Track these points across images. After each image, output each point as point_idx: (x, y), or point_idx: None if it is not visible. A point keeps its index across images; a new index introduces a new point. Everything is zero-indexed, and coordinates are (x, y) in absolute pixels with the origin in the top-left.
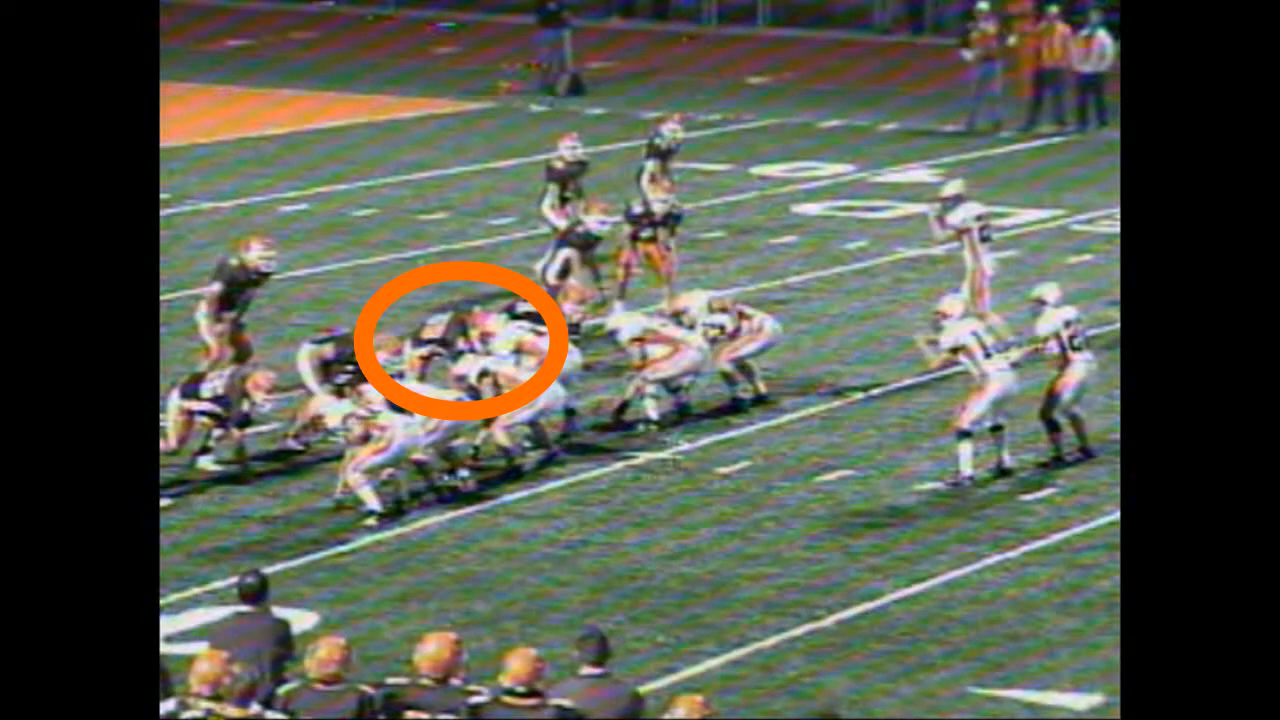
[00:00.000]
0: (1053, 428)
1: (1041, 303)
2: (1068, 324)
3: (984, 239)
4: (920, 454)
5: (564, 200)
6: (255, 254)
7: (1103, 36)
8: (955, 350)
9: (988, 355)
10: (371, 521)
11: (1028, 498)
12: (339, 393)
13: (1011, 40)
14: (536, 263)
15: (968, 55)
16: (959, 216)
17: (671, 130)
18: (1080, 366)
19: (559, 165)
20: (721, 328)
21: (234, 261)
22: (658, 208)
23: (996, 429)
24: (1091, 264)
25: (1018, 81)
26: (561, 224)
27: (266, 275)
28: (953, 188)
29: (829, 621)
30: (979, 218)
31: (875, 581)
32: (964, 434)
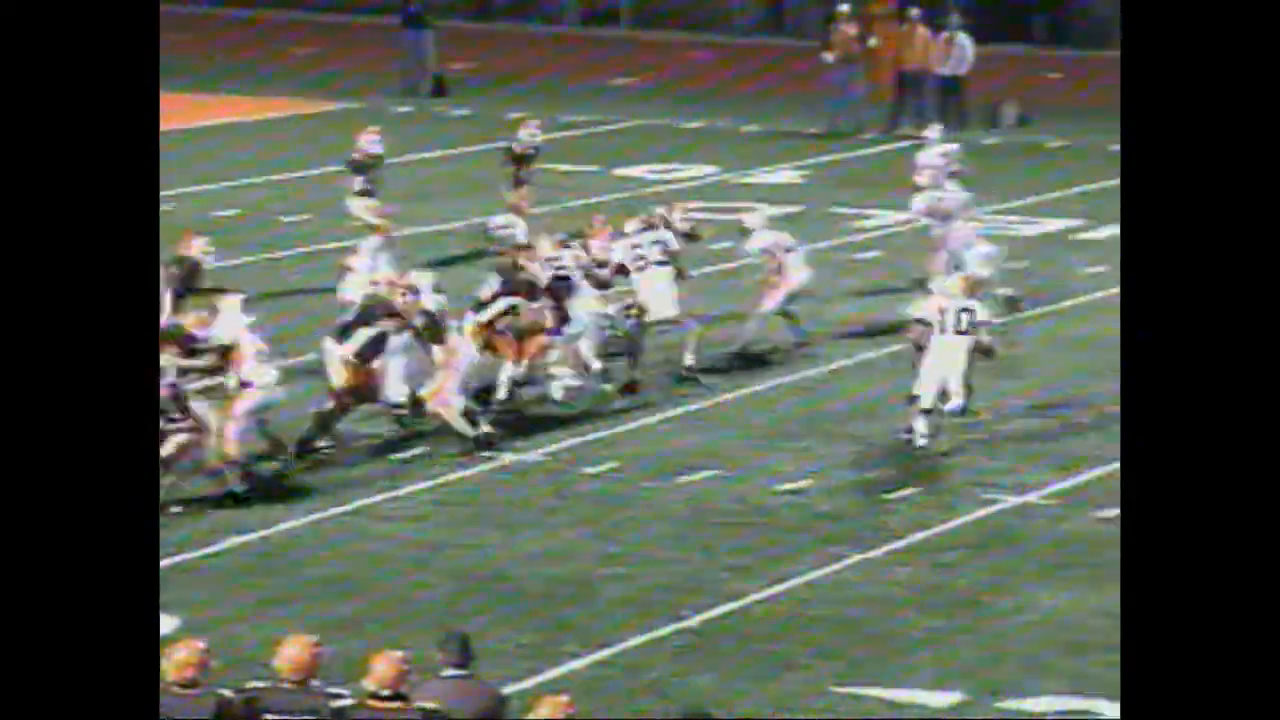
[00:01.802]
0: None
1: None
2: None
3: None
4: (784, 455)
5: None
6: (198, 248)
7: (963, 39)
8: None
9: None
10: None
11: (889, 497)
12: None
13: (872, 43)
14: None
15: (829, 58)
16: (764, 242)
17: (529, 134)
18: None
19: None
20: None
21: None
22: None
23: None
24: None
25: (879, 84)
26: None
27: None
28: (753, 221)
29: (693, 621)
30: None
31: (738, 581)
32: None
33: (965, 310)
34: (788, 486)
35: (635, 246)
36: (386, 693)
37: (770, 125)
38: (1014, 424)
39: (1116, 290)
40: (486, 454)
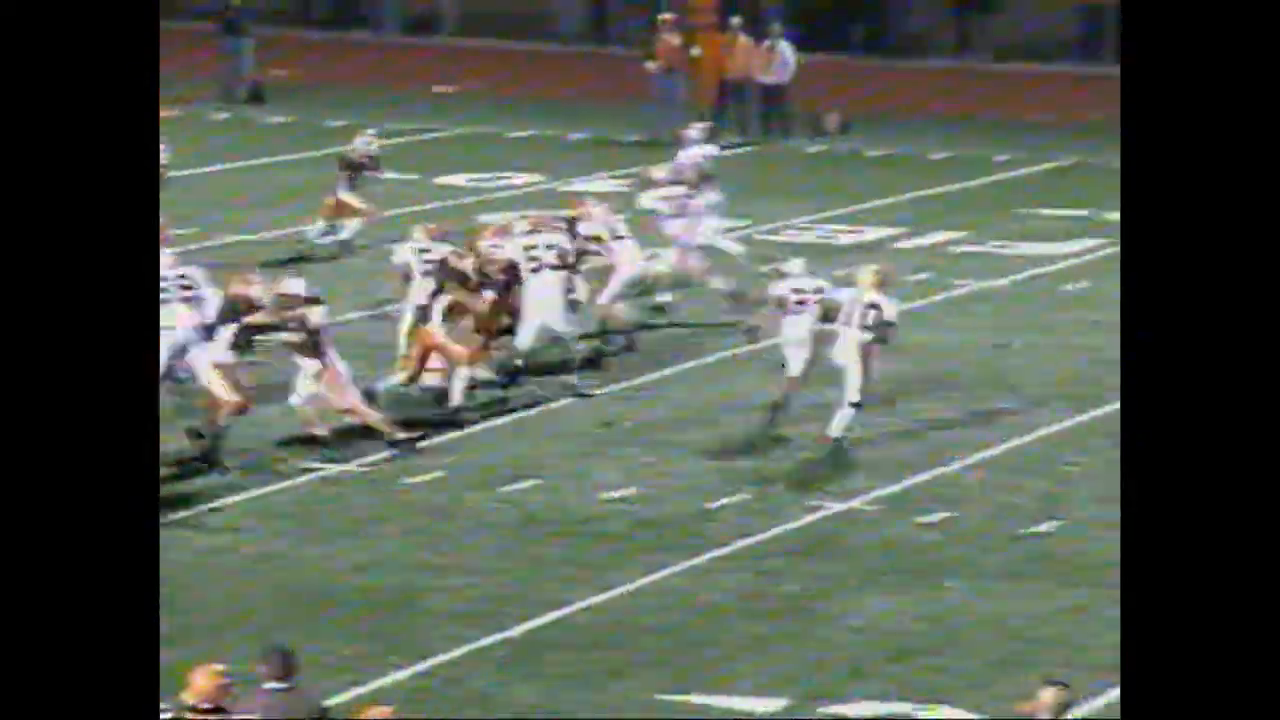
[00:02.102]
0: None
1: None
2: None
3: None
4: (608, 462)
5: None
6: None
7: (784, 48)
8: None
9: None
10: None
11: (713, 505)
12: None
13: (695, 51)
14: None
15: (652, 66)
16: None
17: (365, 143)
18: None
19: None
20: None
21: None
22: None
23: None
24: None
25: (702, 92)
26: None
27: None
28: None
29: (517, 631)
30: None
31: (563, 590)
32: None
33: (874, 307)
34: (613, 495)
35: (530, 248)
36: (206, 706)
37: (594, 133)
38: (826, 431)
39: (941, 297)
40: (335, 462)
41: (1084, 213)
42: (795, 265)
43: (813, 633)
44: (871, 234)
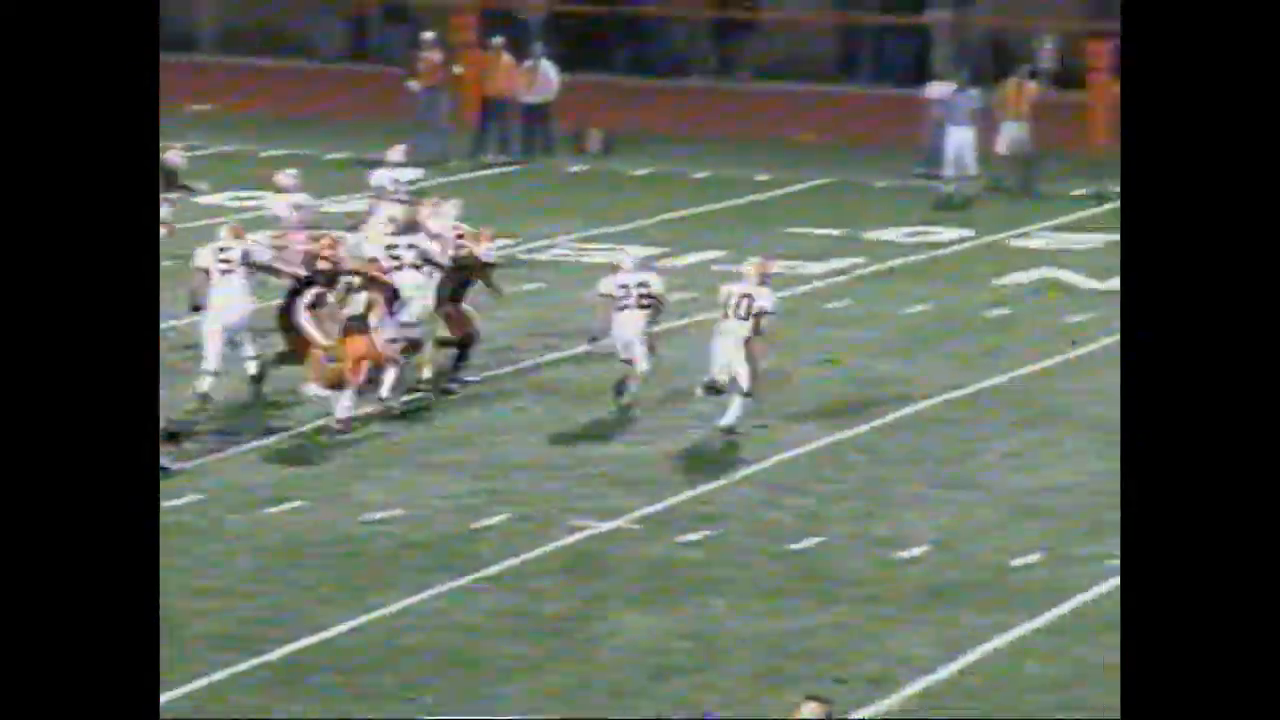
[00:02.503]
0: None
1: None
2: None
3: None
4: (371, 484)
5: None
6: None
7: (547, 67)
8: None
9: None
10: None
11: (478, 525)
12: None
13: (457, 70)
14: None
15: (414, 85)
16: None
17: (175, 158)
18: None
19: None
20: None
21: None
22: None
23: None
24: (545, 290)
25: (464, 111)
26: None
27: None
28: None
29: (280, 654)
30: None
31: (326, 612)
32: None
33: (747, 296)
34: (377, 516)
35: (390, 246)
36: None
37: (354, 152)
38: (590, 451)
39: (702, 316)
40: None
41: (843, 231)
42: (627, 260)
43: (578, 653)
44: (635, 252)
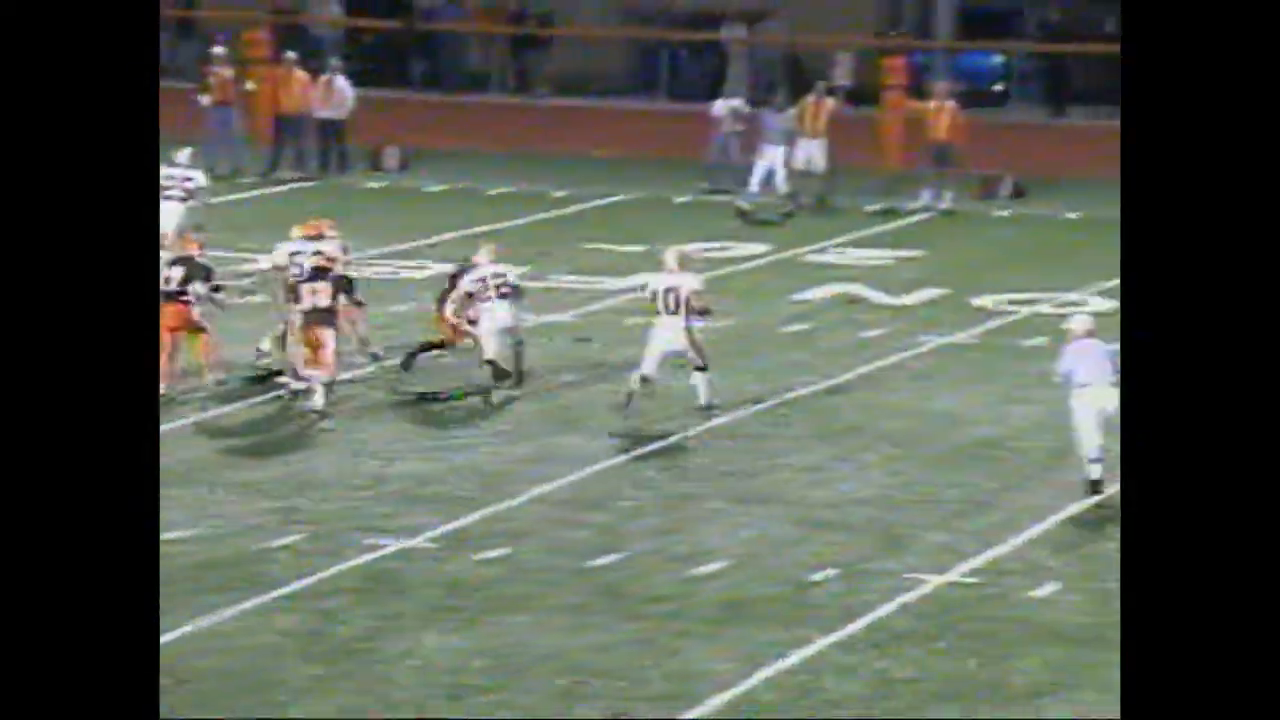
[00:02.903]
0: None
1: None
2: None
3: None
4: (169, 504)
5: None
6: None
7: (341, 83)
8: None
9: None
10: None
11: (272, 544)
12: None
13: (249, 85)
14: None
15: (205, 100)
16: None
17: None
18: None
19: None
20: None
21: None
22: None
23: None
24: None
25: (257, 127)
26: None
27: None
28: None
29: None
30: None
31: None
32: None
33: (672, 290)
34: (170, 536)
35: (295, 253)
36: None
37: None
38: (386, 468)
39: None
40: None
41: (643, 247)
42: (483, 254)
43: (372, 673)
44: (434, 269)
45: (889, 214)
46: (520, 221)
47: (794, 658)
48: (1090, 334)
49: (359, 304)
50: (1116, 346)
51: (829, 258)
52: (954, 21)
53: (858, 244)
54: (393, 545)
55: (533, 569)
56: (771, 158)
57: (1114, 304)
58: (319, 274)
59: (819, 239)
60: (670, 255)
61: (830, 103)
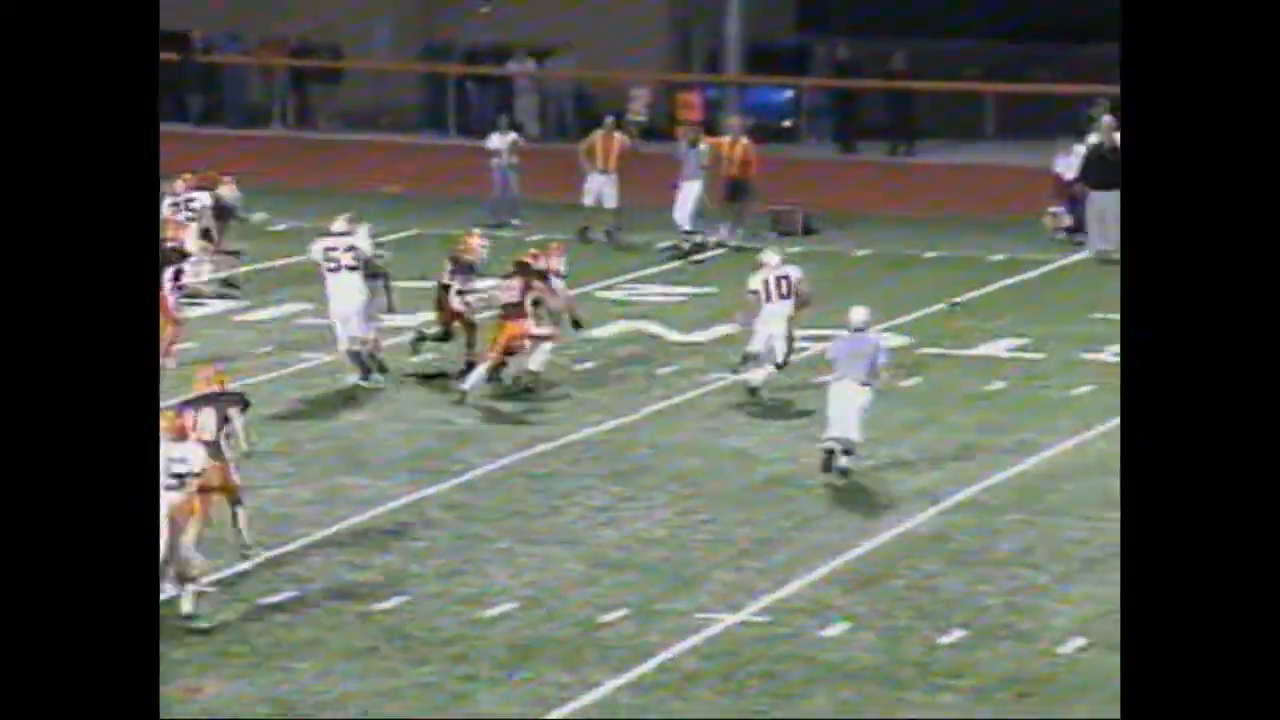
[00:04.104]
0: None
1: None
2: None
3: None
4: None
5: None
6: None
7: None
8: None
9: None
10: None
11: None
12: None
13: None
14: None
15: None
16: None
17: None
18: None
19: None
20: None
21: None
22: None
23: None
24: None
25: None
26: None
27: None
28: None
29: None
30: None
31: None
32: None
33: (784, 277)
34: None
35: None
36: None
37: None
38: None
39: (285, 370)
40: None
41: (429, 284)
42: (339, 224)
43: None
44: (219, 305)
45: (679, 252)
46: (305, 258)
47: (584, 699)
48: (865, 327)
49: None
50: (885, 346)
51: (618, 294)
52: (743, 57)
53: (649, 280)
54: (174, 591)
55: (318, 613)
56: (687, 193)
57: (904, 339)
58: None
59: (610, 275)
60: (769, 253)
61: (620, 137)
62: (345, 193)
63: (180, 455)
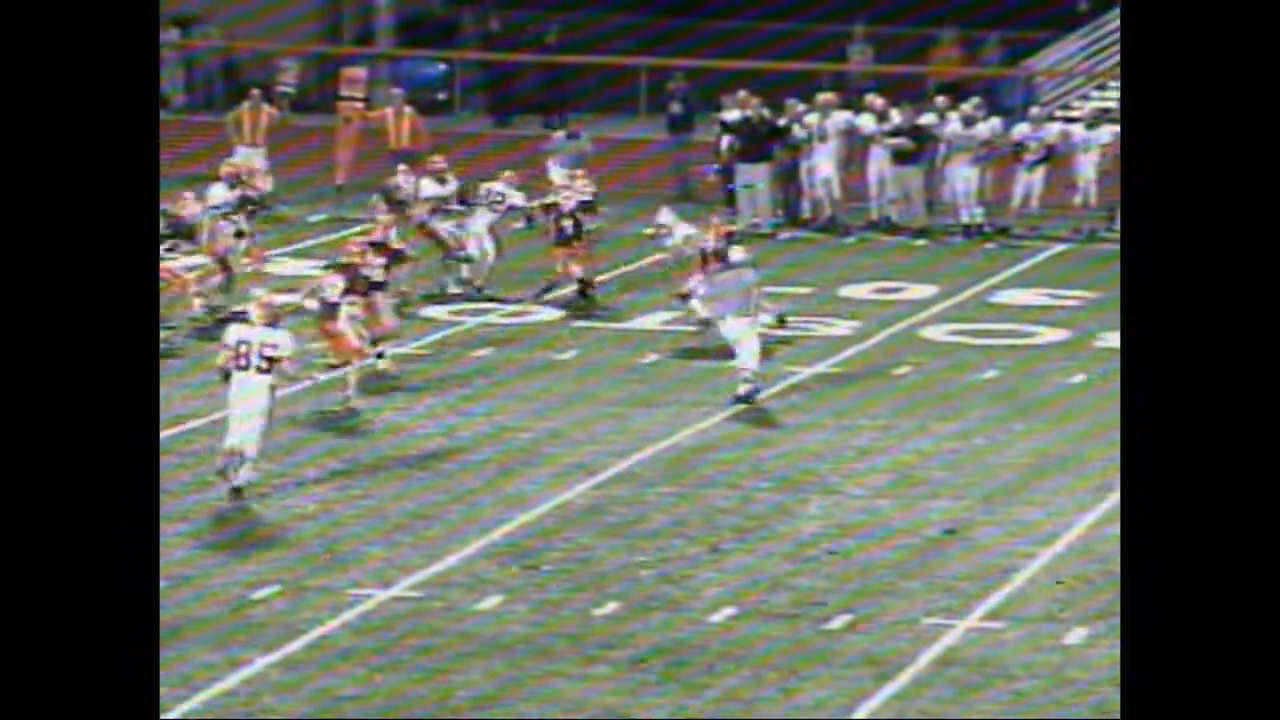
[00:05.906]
0: None
1: None
2: None
3: None
4: None
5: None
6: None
7: None
8: None
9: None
10: None
11: None
12: None
13: None
14: None
15: None
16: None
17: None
18: None
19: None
20: None
21: None
22: None
23: None
24: None
25: None
26: None
27: None
28: None
29: None
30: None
31: None
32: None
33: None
34: None
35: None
36: None
37: None
38: None
39: None
40: None
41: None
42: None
43: None
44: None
45: (335, 223)
46: None
47: (233, 679)
48: (735, 264)
49: None
50: (753, 279)
51: (270, 268)
52: (395, 29)
53: (300, 255)
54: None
55: None
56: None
57: (558, 313)
58: None
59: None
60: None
61: (269, 110)
62: None
63: (271, 340)
